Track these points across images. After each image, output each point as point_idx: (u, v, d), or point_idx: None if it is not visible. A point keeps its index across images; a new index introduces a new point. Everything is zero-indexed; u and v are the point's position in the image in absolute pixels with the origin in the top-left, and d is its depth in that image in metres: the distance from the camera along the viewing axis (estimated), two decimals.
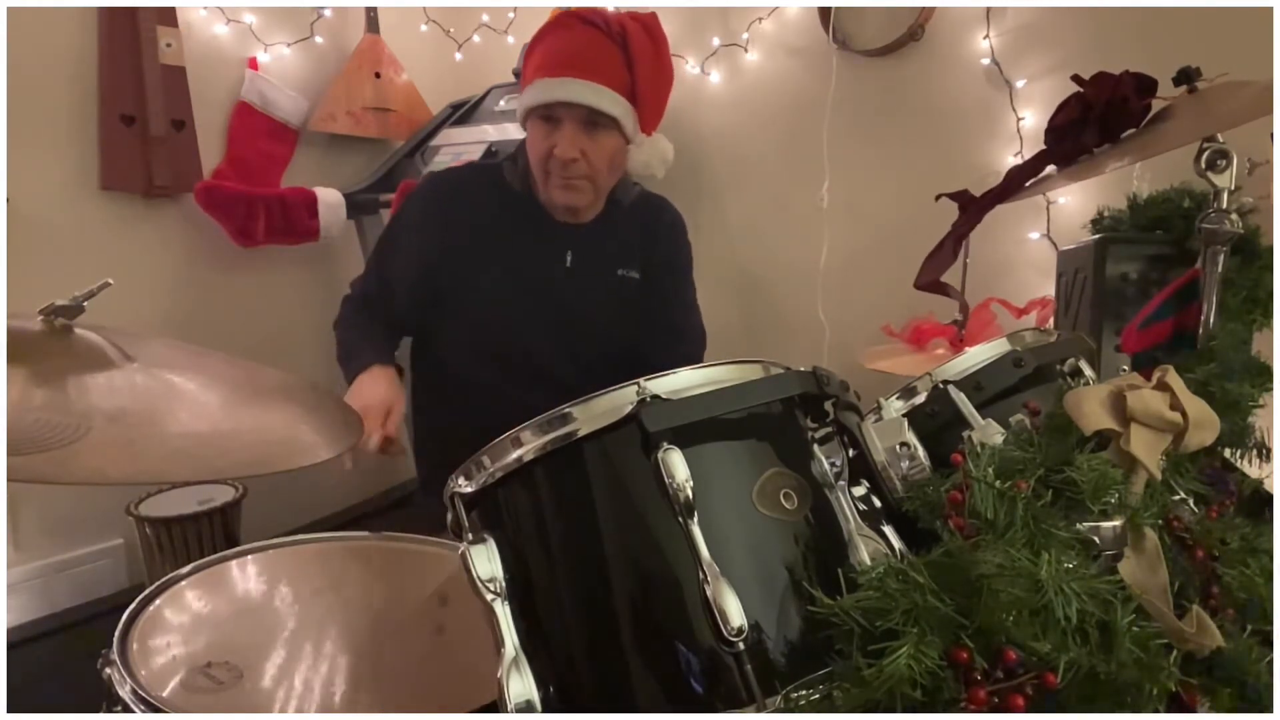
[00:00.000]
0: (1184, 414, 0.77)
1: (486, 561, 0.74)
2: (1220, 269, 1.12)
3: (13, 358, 0.92)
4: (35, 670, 1.89)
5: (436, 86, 2.92)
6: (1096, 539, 0.68)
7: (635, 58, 1.56)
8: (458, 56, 3.08)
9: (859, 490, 0.80)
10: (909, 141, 2.29)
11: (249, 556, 1.21)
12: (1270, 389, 1.02)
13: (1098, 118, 1.22)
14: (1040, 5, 2.05)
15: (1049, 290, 1.78)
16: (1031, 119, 2.08)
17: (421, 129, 2.81)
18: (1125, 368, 1.05)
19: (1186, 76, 1.18)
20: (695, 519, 0.69)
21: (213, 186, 2.43)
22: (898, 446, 0.83)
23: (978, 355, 0.96)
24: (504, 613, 0.73)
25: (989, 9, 2.11)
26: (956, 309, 1.91)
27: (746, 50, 2.55)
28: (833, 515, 0.76)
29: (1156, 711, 0.59)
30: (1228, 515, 0.85)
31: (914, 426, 0.84)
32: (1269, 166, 1.26)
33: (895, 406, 0.94)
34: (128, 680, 0.91)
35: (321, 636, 1.14)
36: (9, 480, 0.77)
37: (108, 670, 0.94)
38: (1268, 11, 1.45)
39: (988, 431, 0.83)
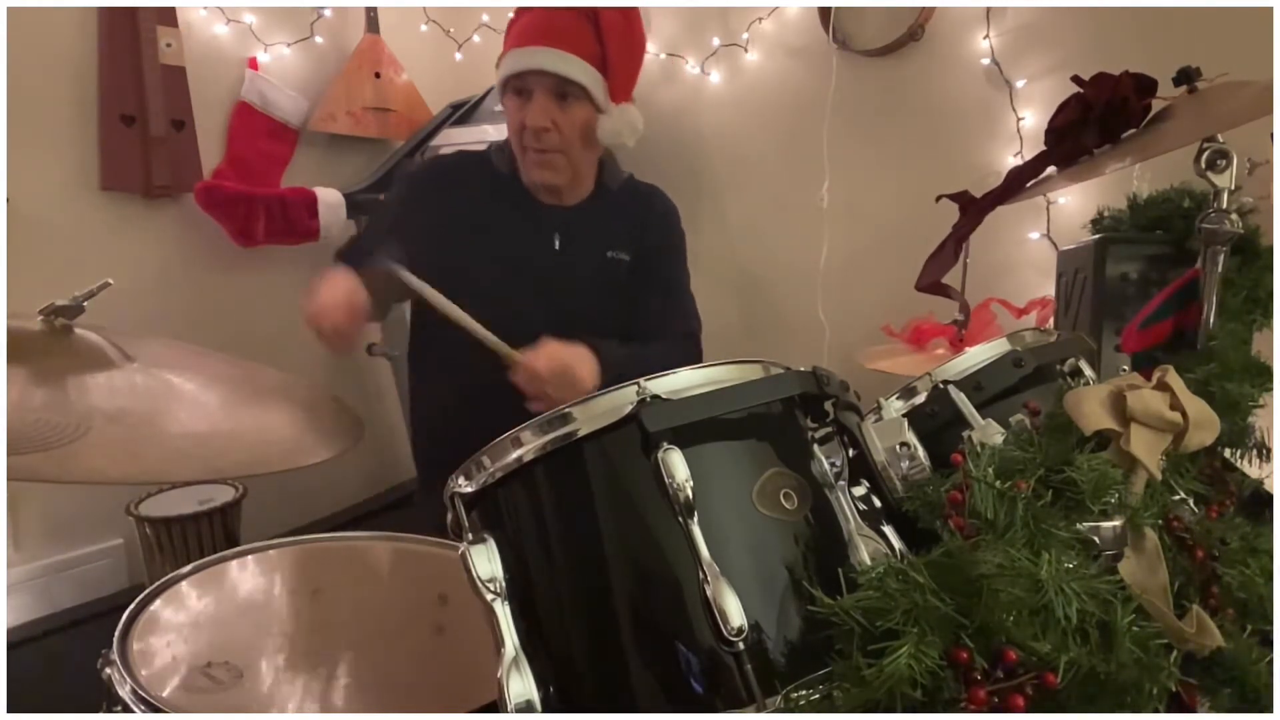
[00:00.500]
0: (1184, 414, 0.77)
1: (486, 561, 0.74)
2: (1220, 269, 1.11)
3: (13, 358, 0.92)
4: (35, 670, 1.89)
5: (436, 86, 2.91)
6: (1096, 539, 0.68)
7: (605, 28, 1.59)
8: (458, 56, 3.08)
9: (859, 490, 0.79)
10: (909, 141, 2.29)
11: (249, 556, 1.21)
12: (1270, 389, 1.02)
13: (1098, 118, 1.22)
14: (1040, 5, 2.05)
15: (1049, 290, 1.79)
16: (1031, 119, 2.08)
17: (421, 129, 2.81)
18: (1125, 368, 1.05)
19: (1186, 77, 1.18)
20: (695, 519, 0.68)
21: (213, 186, 2.43)
22: (898, 446, 0.83)
23: (978, 355, 0.96)
24: (504, 613, 0.72)
25: (989, 9, 2.11)
26: (957, 309, 1.91)
27: (746, 50, 2.55)
28: (833, 515, 0.76)
29: (1156, 711, 0.59)
30: (1228, 515, 0.85)
31: (914, 426, 0.84)
32: (1269, 166, 1.26)
33: (895, 406, 0.94)
34: (128, 680, 0.91)
35: (321, 636, 1.14)
36: (9, 480, 0.77)
37: (108, 670, 0.94)
38: (1268, 11, 1.45)
39: (988, 431, 0.83)
